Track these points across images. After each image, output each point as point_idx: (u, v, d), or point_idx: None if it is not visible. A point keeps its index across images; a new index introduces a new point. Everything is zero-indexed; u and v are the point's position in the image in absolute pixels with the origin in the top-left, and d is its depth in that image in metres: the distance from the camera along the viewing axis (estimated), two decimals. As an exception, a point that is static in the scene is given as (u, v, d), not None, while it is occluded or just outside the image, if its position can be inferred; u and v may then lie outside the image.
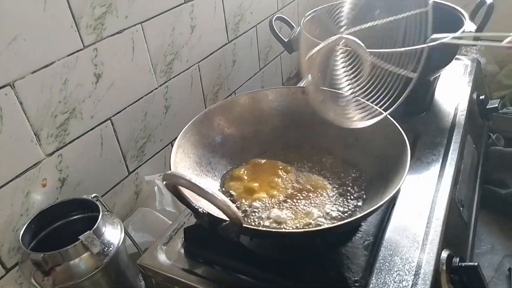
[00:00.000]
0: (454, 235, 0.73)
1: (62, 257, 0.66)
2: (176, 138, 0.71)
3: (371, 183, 0.70)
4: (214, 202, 0.47)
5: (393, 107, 0.61)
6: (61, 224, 0.75)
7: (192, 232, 0.67)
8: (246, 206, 0.68)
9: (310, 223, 0.64)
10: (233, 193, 0.71)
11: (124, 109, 0.90)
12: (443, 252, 0.63)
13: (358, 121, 0.62)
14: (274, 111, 0.83)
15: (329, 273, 0.58)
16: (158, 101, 0.99)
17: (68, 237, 0.67)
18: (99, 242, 0.68)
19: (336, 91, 0.68)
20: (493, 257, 0.94)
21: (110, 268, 0.70)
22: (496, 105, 1.10)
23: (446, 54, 0.90)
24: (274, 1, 1.40)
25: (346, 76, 0.65)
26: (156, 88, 0.97)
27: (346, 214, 0.66)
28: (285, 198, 0.69)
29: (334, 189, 0.71)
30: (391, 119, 0.67)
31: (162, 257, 0.67)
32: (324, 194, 0.70)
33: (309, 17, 1.02)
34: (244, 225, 0.50)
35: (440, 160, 0.81)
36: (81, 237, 0.67)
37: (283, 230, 0.63)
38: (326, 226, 0.63)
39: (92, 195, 0.77)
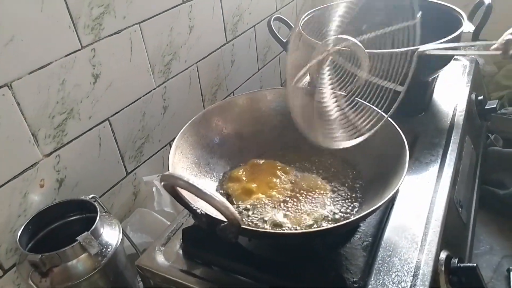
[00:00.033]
0: (452, 235, 0.73)
1: (59, 258, 0.66)
2: (174, 138, 0.71)
3: (369, 183, 0.70)
4: (212, 203, 0.47)
5: (379, 124, 0.61)
6: (59, 225, 0.74)
7: (191, 233, 0.67)
8: (244, 207, 0.68)
9: (309, 224, 0.64)
10: (232, 193, 0.71)
11: (122, 109, 0.90)
12: (441, 253, 0.63)
13: (345, 140, 0.61)
14: (272, 111, 0.83)
15: (327, 274, 0.58)
16: (156, 101, 0.99)
17: (66, 238, 0.67)
18: (97, 243, 0.68)
19: (336, 92, 0.68)
20: (492, 257, 0.94)
21: (108, 269, 0.70)
22: (495, 105, 1.10)
23: (444, 55, 0.90)
24: (272, 1, 1.40)
25: (333, 90, 0.65)
26: (154, 89, 0.97)
27: (344, 215, 0.66)
28: (283, 199, 0.69)
29: (332, 190, 0.71)
30: (390, 120, 0.67)
31: (160, 258, 0.67)
32: (323, 194, 0.69)
33: (306, 18, 1.02)
34: (242, 226, 0.50)
35: (439, 161, 0.81)
36: (79, 238, 0.66)
37: (282, 231, 0.62)
38: (324, 227, 0.63)
39: (90, 196, 0.77)
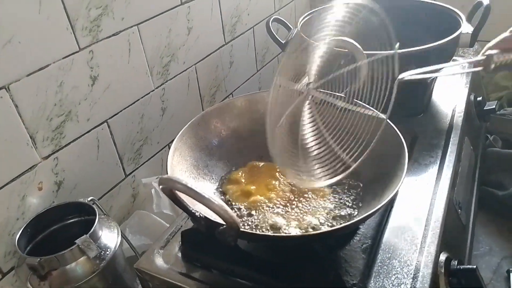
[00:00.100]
0: (452, 237, 0.73)
1: (58, 262, 0.65)
2: (173, 140, 0.71)
3: (369, 186, 0.70)
4: (210, 207, 0.47)
5: (366, 152, 0.61)
6: (58, 228, 0.74)
7: (190, 235, 0.66)
8: (243, 209, 0.68)
9: (308, 227, 0.63)
10: (231, 196, 0.71)
11: (120, 111, 0.89)
12: (441, 254, 0.63)
13: (325, 178, 0.61)
14: (271, 113, 0.82)
15: (327, 277, 0.57)
16: (155, 103, 0.98)
17: (65, 241, 0.67)
18: (95, 246, 0.68)
19: (333, 93, 0.68)
20: (491, 258, 0.94)
21: (107, 272, 0.69)
22: (494, 106, 1.10)
23: (443, 56, 0.90)
24: (271, 2, 1.39)
25: (315, 129, 0.65)
26: (153, 90, 0.97)
27: (344, 217, 0.65)
28: (282, 201, 0.69)
29: (331, 192, 0.70)
30: (389, 121, 0.67)
31: (159, 260, 0.67)
32: (322, 196, 0.69)
33: (305, 19, 1.02)
34: (241, 229, 0.50)
35: (438, 162, 0.80)
36: (77, 241, 0.66)
37: (280, 234, 0.62)
38: (323, 230, 0.62)
39: (89, 199, 0.76)
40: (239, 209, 0.68)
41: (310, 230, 0.63)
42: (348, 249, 0.64)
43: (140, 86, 0.93)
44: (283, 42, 1.09)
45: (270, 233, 0.63)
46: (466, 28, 0.91)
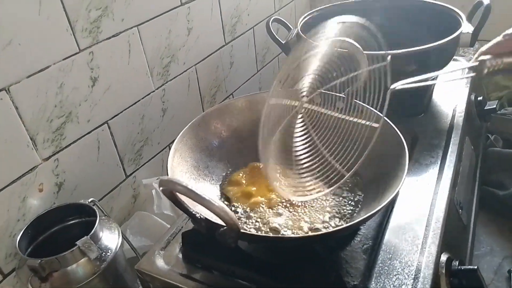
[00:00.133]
0: (453, 237, 0.73)
1: (59, 263, 0.65)
2: (173, 141, 0.71)
3: (369, 186, 0.69)
4: (211, 208, 0.47)
5: (360, 161, 0.62)
6: (58, 229, 0.74)
7: (190, 236, 0.66)
8: (244, 210, 0.68)
9: (308, 228, 0.63)
10: (231, 197, 0.71)
11: (121, 112, 0.89)
12: (442, 255, 0.63)
13: (318, 190, 0.63)
14: (272, 113, 0.82)
15: (328, 278, 0.57)
16: (155, 104, 0.98)
17: (65, 242, 0.67)
18: (96, 247, 0.68)
19: (333, 93, 0.68)
20: (492, 259, 0.94)
21: (108, 273, 0.69)
22: (494, 106, 1.10)
23: (443, 56, 0.90)
24: (271, 2, 1.39)
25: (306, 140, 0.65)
26: (153, 91, 0.97)
27: (345, 218, 0.65)
28: (283, 202, 0.69)
29: (332, 193, 0.70)
30: (389, 121, 0.67)
31: (160, 262, 0.67)
32: (323, 197, 0.69)
33: (305, 19, 1.02)
34: (241, 230, 0.50)
35: (439, 162, 0.80)
36: (78, 242, 0.66)
37: (281, 235, 0.62)
38: (324, 231, 0.62)
39: (89, 200, 0.76)
40: (240, 210, 0.68)
41: (311, 231, 0.63)
42: (349, 250, 0.64)
43: (140, 87, 0.93)
44: (283, 42, 1.09)
45: (270, 234, 0.63)
46: (467, 28, 0.91)
